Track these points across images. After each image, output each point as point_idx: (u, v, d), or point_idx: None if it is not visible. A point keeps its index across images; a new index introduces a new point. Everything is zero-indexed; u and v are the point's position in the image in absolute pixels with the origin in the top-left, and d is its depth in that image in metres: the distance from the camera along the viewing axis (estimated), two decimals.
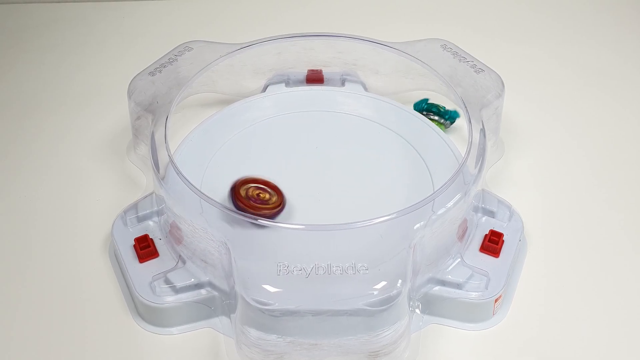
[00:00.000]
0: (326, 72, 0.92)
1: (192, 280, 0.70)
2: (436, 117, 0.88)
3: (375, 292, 0.64)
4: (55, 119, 0.93)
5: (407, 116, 0.87)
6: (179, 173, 0.72)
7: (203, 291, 0.70)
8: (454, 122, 0.88)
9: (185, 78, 0.85)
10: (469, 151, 0.75)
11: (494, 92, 0.83)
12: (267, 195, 0.74)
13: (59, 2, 1.13)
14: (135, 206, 0.77)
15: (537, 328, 0.70)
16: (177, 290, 0.69)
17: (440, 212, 0.69)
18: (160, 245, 0.74)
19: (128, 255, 0.73)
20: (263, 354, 0.65)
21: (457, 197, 0.70)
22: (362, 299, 0.64)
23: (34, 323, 0.71)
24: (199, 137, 0.83)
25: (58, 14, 1.11)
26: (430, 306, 0.71)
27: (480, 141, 0.76)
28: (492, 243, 0.73)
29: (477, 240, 0.74)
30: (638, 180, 0.85)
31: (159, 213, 0.76)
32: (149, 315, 0.70)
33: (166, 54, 0.88)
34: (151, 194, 0.77)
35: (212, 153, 0.82)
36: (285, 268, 0.65)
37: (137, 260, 0.72)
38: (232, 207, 0.72)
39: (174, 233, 0.73)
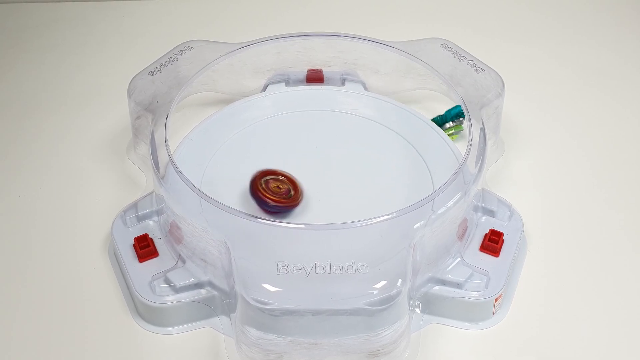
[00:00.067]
0: (326, 71, 0.92)
1: (192, 279, 0.70)
2: (450, 123, 0.87)
3: (375, 292, 0.64)
4: (55, 119, 0.93)
5: (407, 116, 0.87)
6: (178, 172, 0.72)
7: (203, 291, 0.70)
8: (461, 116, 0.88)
9: (185, 77, 0.85)
10: (469, 151, 0.75)
11: (494, 92, 0.83)
12: (285, 188, 0.75)
13: (59, 2, 1.13)
14: (135, 206, 0.77)
15: (537, 328, 0.70)
16: (176, 290, 0.69)
17: (440, 211, 0.69)
18: (160, 244, 0.74)
19: (128, 254, 0.73)
20: (263, 353, 0.65)
21: (457, 196, 0.70)
22: (362, 298, 0.64)
23: (34, 323, 0.71)
24: (199, 136, 0.83)
25: (58, 14, 1.11)
26: (430, 306, 0.70)
27: (480, 141, 0.76)
28: (492, 242, 0.73)
29: (477, 240, 0.74)
30: (638, 180, 0.85)
31: (158, 212, 0.76)
32: (149, 314, 0.70)
33: (166, 54, 0.88)
34: (151, 193, 0.77)
35: (212, 152, 0.82)
36: (285, 267, 0.65)
37: (136, 260, 0.72)
38: (251, 198, 0.74)
39: (173, 232, 0.73)
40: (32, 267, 0.76)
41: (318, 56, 0.91)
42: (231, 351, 0.68)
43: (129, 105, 0.83)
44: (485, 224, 0.76)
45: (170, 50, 0.88)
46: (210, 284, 0.70)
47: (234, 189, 0.78)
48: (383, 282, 0.65)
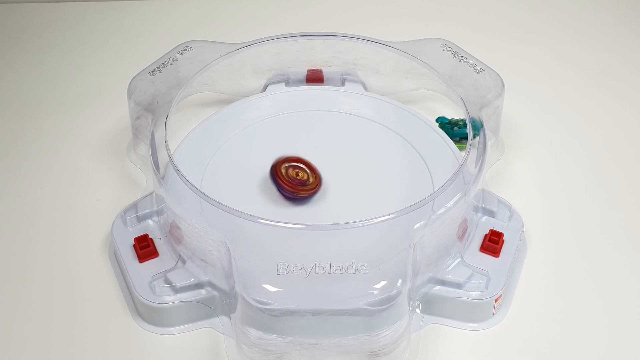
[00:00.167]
0: (326, 71, 0.92)
1: (192, 280, 0.70)
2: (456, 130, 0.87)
3: (375, 292, 0.64)
4: (55, 119, 0.93)
5: (407, 116, 0.87)
6: (178, 173, 0.72)
7: (203, 291, 0.70)
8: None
9: (185, 78, 0.85)
10: (469, 151, 0.75)
11: (494, 92, 0.83)
12: (305, 176, 0.76)
13: (59, 2, 1.13)
14: (135, 206, 0.77)
15: (537, 328, 0.70)
16: (177, 290, 0.69)
17: (440, 211, 0.69)
18: (160, 245, 0.74)
19: (128, 255, 0.73)
20: (263, 353, 0.65)
21: (457, 196, 0.70)
22: (362, 298, 0.64)
23: (34, 323, 0.71)
24: (199, 136, 0.83)
25: (58, 14, 1.11)
26: (430, 306, 0.70)
27: (480, 141, 0.76)
28: (492, 243, 0.73)
29: (477, 240, 0.74)
30: (638, 180, 0.85)
31: (158, 213, 0.76)
32: (149, 315, 0.70)
33: (166, 54, 0.88)
34: (151, 193, 0.77)
35: (212, 153, 0.82)
36: (285, 267, 0.65)
37: (136, 260, 0.72)
38: (272, 184, 0.76)
39: (173, 233, 0.73)
40: (32, 267, 0.76)
41: (318, 56, 0.91)
42: (231, 351, 0.68)
43: (129, 105, 0.83)
44: (485, 225, 0.76)
45: (170, 51, 0.88)
46: (211, 284, 0.70)
47: (234, 189, 0.78)
48: (383, 283, 0.65)
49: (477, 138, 0.76)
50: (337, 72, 0.92)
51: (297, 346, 0.65)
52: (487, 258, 0.73)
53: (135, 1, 1.14)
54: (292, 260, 0.66)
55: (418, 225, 0.68)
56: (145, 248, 0.73)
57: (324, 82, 0.92)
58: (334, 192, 0.78)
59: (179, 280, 0.70)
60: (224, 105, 0.89)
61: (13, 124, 0.92)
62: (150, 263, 0.72)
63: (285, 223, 0.67)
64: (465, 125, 0.81)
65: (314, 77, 0.92)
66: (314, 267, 0.65)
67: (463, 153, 0.76)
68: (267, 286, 0.65)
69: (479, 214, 0.76)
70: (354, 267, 0.66)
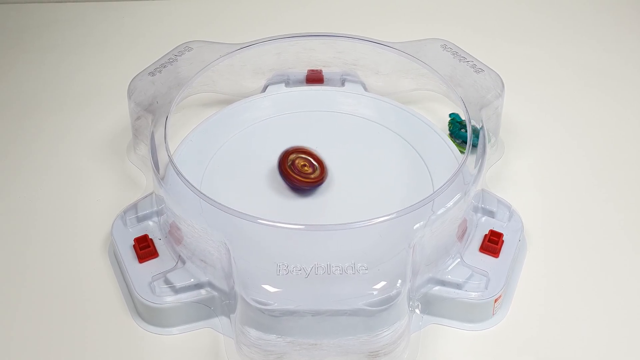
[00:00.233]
0: (326, 72, 0.92)
1: (192, 280, 0.70)
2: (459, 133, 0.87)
3: (375, 292, 0.64)
4: (55, 119, 0.93)
5: (407, 116, 0.87)
6: (178, 173, 0.72)
7: (203, 291, 0.70)
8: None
9: (185, 78, 0.85)
10: (469, 151, 0.75)
11: (493, 92, 0.83)
12: (310, 169, 0.77)
13: (59, 2, 1.13)
14: (135, 206, 0.77)
15: (537, 328, 0.70)
16: (176, 291, 0.69)
17: (440, 212, 0.69)
18: (160, 245, 0.74)
19: (128, 255, 0.73)
20: (263, 354, 0.65)
21: (457, 197, 0.70)
22: (361, 299, 0.64)
23: (34, 323, 0.71)
24: (199, 137, 0.83)
25: (58, 14, 1.11)
26: (430, 306, 0.70)
27: (480, 141, 0.76)
28: (492, 243, 0.73)
29: (477, 240, 0.74)
30: (638, 180, 0.85)
31: (158, 213, 0.76)
32: (149, 315, 0.70)
33: (166, 54, 0.88)
34: (151, 194, 0.77)
35: (212, 153, 0.82)
36: (285, 268, 0.65)
37: (136, 261, 0.72)
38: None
39: (173, 233, 0.73)
40: (32, 267, 0.76)
41: (318, 57, 0.91)
42: (231, 352, 0.68)
43: (129, 105, 0.83)
44: (485, 225, 0.76)
45: (170, 51, 0.88)
46: (210, 284, 0.70)
47: (234, 190, 0.78)
48: (383, 283, 0.65)
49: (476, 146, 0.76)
50: (337, 72, 0.92)
51: (297, 346, 0.65)
52: (487, 258, 0.73)
53: (135, 1, 1.14)
54: (291, 261, 0.66)
55: (418, 225, 0.68)
56: (145, 248, 0.73)
57: (324, 82, 0.92)
58: (333, 192, 0.78)
59: (178, 280, 0.70)
60: (224, 106, 0.89)
61: (13, 124, 0.92)
62: (150, 263, 0.72)
63: (285, 224, 0.67)
64: (474, 132, 0.80)
65: (314, 78, 0.92)
66: (314, 267, 0.66)
67: (463, 153, 0.76)
68: (266, 286, 0.65)
69: (479, 214, 0.76)
70: (353, 268, 0.66)
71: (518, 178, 0.85)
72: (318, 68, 0.92)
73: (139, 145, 0.84)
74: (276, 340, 0.65)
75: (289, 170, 0.77)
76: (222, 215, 0.68)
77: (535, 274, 0.75)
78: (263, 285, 0.65)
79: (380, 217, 0.68)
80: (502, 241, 0.74)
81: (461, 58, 0.87)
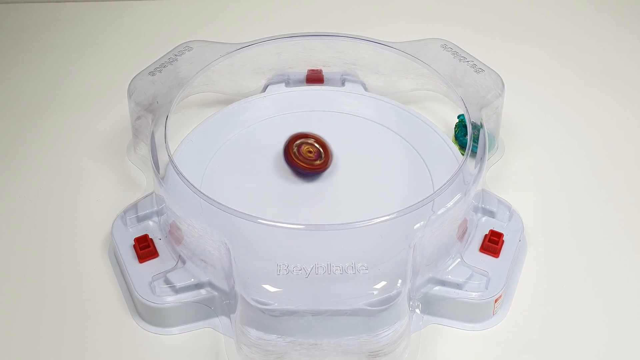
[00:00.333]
0: (326, 72, 0.92)
1: (192, 280, 0.70)
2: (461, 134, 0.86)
3: (375, 292, 0.64)
4: (55, 119, 0.93)
5: (407, 116, 0.87)
6: (178, 173, 0.72)
7: (203, 291, 0.70)
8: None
9: (185, 78, 0.85)
10: (469, 151, 0.75)
11: (494, 92, 0.83)
12: (316, 152, 0.78)
13: (59, 2, 1.13)
14: (135, 206, 0.77)
15: (537, 328, 0.70)
16: (177, 290, 0.69)
17: (440, 212, 0.69)
18: (160, 245, 0.74)
19: (128, 255, 0.73)
20: (263, 354, 0.65)
21: (457, 197, 0.70)
22: (362, 298, 0.64)
23: (34, 323, 0.71)
24: (199, 137, 0.83)
25: (58, 14, 1.11)
26: (430, 306, 0.70)
27: (480, 141, 0.76)
28: (492, 243, 0.73)
29: (477, 240, 0.74)
30: (638, 180, 0.85)
31: (158, 213, 0.76)
32: (149, 315, 0.70)
33: (166, 54, 0.88)
34: (151, 194, 0.77)
35: (212, 153, 0.82)
36: (285, 268, 0.65)
37: (136, 260, 0.72)
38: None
39: (173, 233, 0.73)
40: (32, 267, 0.76)
41: (318, 56, 0.91)
42: (231, 352, 0.68)
43: (129, 105, 0.83)
44: (485, 225, 0.76)
45: (170, 51, 0.88)
46: (211, 284, 0.70)
47: (234, 189, 0.78)
48: (383, 283, 0.65)
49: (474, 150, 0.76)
50: (337, 72, 0.92)
51: (297, 346, 0.65)
52: (487, 258, 0.73)
53: (135, 1, 1.14)
54: (292, 261, 0.66)
55: (418, 225, 0.68)
56: (145, 248, 0.73)
57: (324, 82, 0.92)
58: (334, 191, 0.78)
59: (179, 280, 0.70)
60: (224, 106, 0.89)
61: (13, 124, 0.92)
62: (150, 263, 0.72)
63: (285, 223, 0.67)
64: (475, 140, 0.78)
65: (314, 78, 0.92)
66: (314, 267, 0.66)
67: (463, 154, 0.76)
68: (267, 286, 0.65)
69: (479, 214, 0.76)
70: (353, 268, 0.66)
71: (518, 178, 0.85)
72: (318, 68, 0.92)
73: (139, 145, 0.84)
74: (276, 340, 0.65)
75: (293, 156, 0.78)
76: (222, 215, 0.68)
77: (535, 274, 0.75)
78: (263, 285, 0.65)
79: (381, 217, 0.68)
80: (502, 241, 0.74)
81: (461, 58, 0.87)
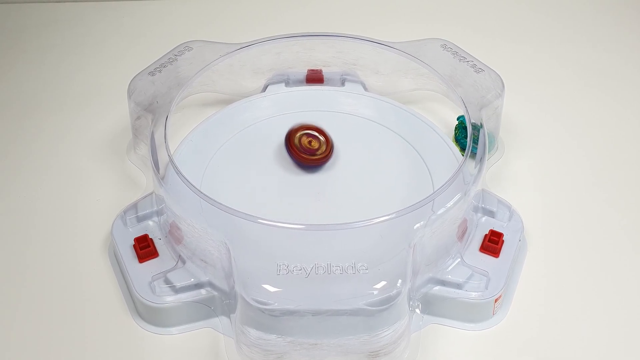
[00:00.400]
0: (326, 72, 0.92)
1: (192, 280, 0.70)
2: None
3: (375, 292, 0.64)
4: (55, 119, 0.93)
5: (407, 116, 0.87)
6: (178, 173, 0.72)
7: (203, 291, 0.70)
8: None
9: (185, 78, 0.85)
10: (469, 151, 0.75)
11: (493, 92, 0.83)
12: (317, 145, 0.79)
13: (58, 2, 1.13)
14: (135, 206, 0.77)
15: (537, 328, 0.70)
16: (176, 290, 0.69)
17: (440, 212, 0.69)
18: (160, 245, 0.74)
19: (128, 255, 0.73)
20: (263, 353, 0.65)
21: (457, 197, 0.70)
22: (362, 298, 0.64)
23: (34, 323, 0.71)
24: (199, 137, 0.83)
25: (58, 14, 1.11)
26: (430, 306, 0.70)
27: (480, 141, 0.76)
28: (492, 243, 0.73)
29: (477, 240, 0.74)
30: (638, 180, 0.85)
31: (158, 213, 0.76)
32: (149, 315, 0.70)
33: (166, 54, 0.88)
34: (151, 194, 0.77)
35: (212, 153, 0.82)
36: (285, 268, 0.65)
37: (136, 260, 0.72)
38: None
39: (173, 233, 0.73)
40: (32, 267, 0.76)
41: (318, 56, 0.91)
42: (231, 351, 0.68)
43: (129, 105, 0.83)
44: (485, 225, 0.76)
45: (170, 51, 0.88)
46: (210, 284, 0.70)
47: (234, 189, 0.78)
48: (383, 283, 0.65)
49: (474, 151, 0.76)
50: (337, 72, 0.92)
51: (297, 346, 0.65)
52: (487, 258, 0.73)
53: (135, 1, 1.14)
54: (292, 261, 0.66)
55: (418, 225, 0.68)
56: (145, 248, 0.73)
57: (324, 82, 0.92)
58: (334, 191, 0.78)
59: (179, 280, 0.70)
60: (224, 106, 0.89)
61: (13, 124, 0.92)
62: (150, 263, 0.72)
63: (285, 223, 0.68)
64: (475, 141, 0.78)
65: (314, 78, 0.92)
66: (314, 267, 0.66)
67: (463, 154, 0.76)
68: (267, 286, 0.65)
69: (479, 214, 0.76)
70: (353, 268, 0.66)
71: (518, 178, 0.85)
72: (318, 68, 0.92)
73: (139, 145, 0.84)
74: (276, 340, 0.65)
75: (295, 147, 0.79)
76: (222, 215, 0.68)
77: (535, 274, 0.75)
78: (263, 285, 0.65)
79: (381, 217, 0.68)
80: (502, 241, 0.74)
81: (461, 58, 0.87)
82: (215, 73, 0.89)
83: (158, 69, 0.85)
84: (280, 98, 0.90)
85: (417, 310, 0.70)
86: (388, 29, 1.06)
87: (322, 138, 0.80)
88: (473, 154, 0.75)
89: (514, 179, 0.84)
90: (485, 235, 0.74)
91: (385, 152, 0.83)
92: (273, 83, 0.91)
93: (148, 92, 0.83)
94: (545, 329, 0.70)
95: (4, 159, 0.87)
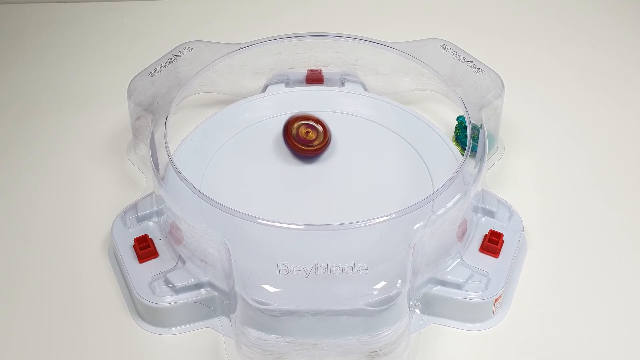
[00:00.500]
0: (326, 72, 0.92)
1: (192, 280, 0.70)
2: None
3: (375, 292, 0.64)
4: (55, 119, 0.93)
5: (407, 116, 0.87)
6: (178, 173, 0.72)
7: (203, 291, 0.70)
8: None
9: (185, 78, 0.85)
10: (469, 151, 0.75)
11: (493, 92, 0.83)
12: (314, 136, 0.80)
13: (58, 2, 1.13)
14: (135, 206, 0.77)
15: (537, 328, 0.70)
16: (176, 291, 0.69)
17: (440, 212, 0.69)
18: (160, 245, 0.74)
19: (128, 255, 0.73)
20: (263, 354, 0.65)
21: (457, 197, 0.70)
22: (362, 299, 0.64)
23: (34, 323, 0.71)
24: (199, 137, 0.83)
25: (58, 14, 1.11)
26: (430, 306, 0.70)
27: (480, 140, 0.76)
28: (492, 243, 0.73)
29: (477, 241, 0.74)
30: (638, 180, 0.85)
31: (158, 213, 0.76)
32: (149, 315, 0.70)
33: (166, 54, 0.88)
34: (151, 194, 0.77)
35: (212, 153, 0.82)
36: (285, 268, 0.65)
37: (136, 261, 0.72)
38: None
39: (173, 233, 0.73)
40: (32, 267, 0.76)
41: (318, 57, 0.91)
42: (231, 352, 0.68)
43: (129, 106, 0.83)
44: (485, 225, 0.76)
45: (170, 51, 0.88)
46: (210, 284, 0.70)
47: (234, 190, 0.78)
48: (383, 283, 0.65)
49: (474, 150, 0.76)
50: (337, 72, 0.92)
51: (297, 346, 0.65)
52: (487, 258, 0.73)
53: (135, 1, 1.14)
54: (291, 261, 0.66)
55: (418, 225, 0.68)
56: (145, 248, 0.73)
57: (324, 82, 0.92)
58: (334, 192, 0.78)
59: (178, 280, 0.70)
60: (224, 106, 0.89)
61: (13, 124, 0.92)
62: (150, 263, 0.72)
63: (285, 224, 0.68)
64: (475, 140, 0.78)
65: (314, 78, 0.92)
66: (314, 267, 0.66)
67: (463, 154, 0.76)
68: (266, 286, 0.65)
69: (479, 215, 0.76)
70: (353, 268, 0.66)
71: (518, 178, 0.85)
72: (318, 68, 0.92)
73: (139, 145, 0.85)
74: (276, 340, 0.65)
75: (291, 137, 0.80)
76: (222, 215, 0.68)
77: (535, 274, 0.75)
78: (263, 285, 0.65)
79: (380, 217, 0.68)
80: (502, 241, 0.74)
81: (461, 58, 0.87)
82: (215, 73, 0.89)
83: (158, 69, 0.85)
84: (280, 98, 0.90)
85: (417, 311, 0.70)
86: (388, 29, 1.06)
87: (320, 128, 0.80)
88: (473, 154, 0.75)
89: (514, 179, 0.84)
90: (485, 235, 0.74)
91: (385, 153, 0.83)
92: (273, 83, 0.91)
93: (148, 93, 0.83)
94: (545, 329, 0.70)
95: (4, 159, 0.87)
